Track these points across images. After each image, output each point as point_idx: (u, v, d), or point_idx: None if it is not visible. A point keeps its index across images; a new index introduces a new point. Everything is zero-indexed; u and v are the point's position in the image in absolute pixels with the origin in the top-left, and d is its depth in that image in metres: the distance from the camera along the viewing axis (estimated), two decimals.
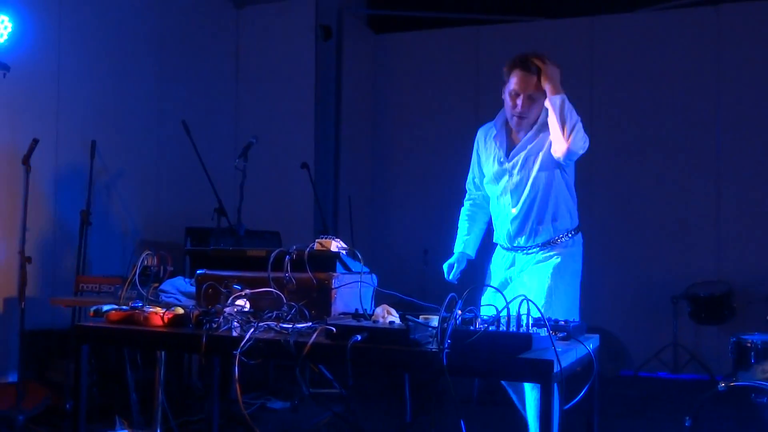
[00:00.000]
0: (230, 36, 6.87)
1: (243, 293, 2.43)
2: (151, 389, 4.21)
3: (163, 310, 2.43)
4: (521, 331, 2.01)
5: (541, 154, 3.14)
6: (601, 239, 6.74)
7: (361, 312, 2.37)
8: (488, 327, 2.00)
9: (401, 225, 7.21)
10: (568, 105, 3.06)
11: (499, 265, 3.27)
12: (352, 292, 2.51)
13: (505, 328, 2.01)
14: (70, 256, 4.89)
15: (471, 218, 3.50)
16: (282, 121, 6.62)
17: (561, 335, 2.24)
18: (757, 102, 6.32)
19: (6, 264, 4.66)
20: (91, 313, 2.55)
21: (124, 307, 2.54)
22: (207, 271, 2.64)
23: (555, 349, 1.94)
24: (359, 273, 2.57)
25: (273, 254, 2.51)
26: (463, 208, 3.55)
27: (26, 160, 4.36)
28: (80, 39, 5.29)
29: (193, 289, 2.82)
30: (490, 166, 3.29)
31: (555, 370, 1.89)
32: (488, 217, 3.43)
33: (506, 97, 3.17)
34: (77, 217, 4.85)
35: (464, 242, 3.45)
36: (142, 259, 3.35)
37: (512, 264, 3.22)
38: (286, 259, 2.48)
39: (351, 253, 2.64)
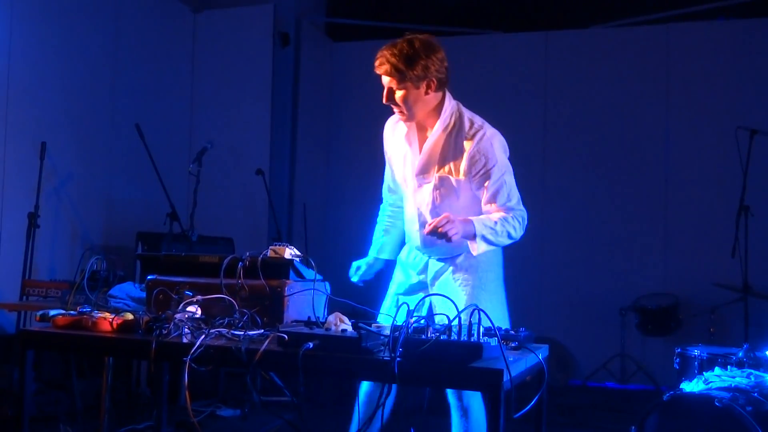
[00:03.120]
0: (186, 40, 6.80)
1: (194, 299, 2.40)
2: (97, 396, 4.14)
3: (112, 316, 2.39)
4: (472, 340, 2.03)
5: (451, 162, 2.81)
6: (552, 251, 6.85)
7: (314, 320, 2.37)
8: (440, 336, 2.02)
9: (356, 232, 7.20)
10: (488, 231, 2.72)
11: (409, 264, 3.01)
12: (305, 299, 2.51)
13: (456, 337, 2.03)
14: (16, 259, 4.78)
15: (387, 231, 3.19)
16: (238, 126, 6.58)
17: (512, 345, 2.27)
18: (705, 118, 6.50)
19: None
20: (38, 317, 2.49)
21: (71, 312, 2.49)
22: (158, 277, 2.61)
23: (505, 358, 1.97)
24: (312, 281, 2.56)
25: (226, 261, 2.49)
26: (379, 218, 3.23)
27: None
28: (32, 39, 5.19)
29: (143, 294, 2.79)
30: (400, 168, 2.99)
31: (504, 379, 1.91)
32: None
33: None
34: (24, 219, 4.74)
35: (379, 247, 3.15)
36: (91, 264, 3.30)
37: (425, 270, 2.96)
38: (239, 265, 2.46)
39: (305, 261, 2.63)
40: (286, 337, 2.10)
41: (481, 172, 2.77)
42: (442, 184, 2.84)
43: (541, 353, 2.34)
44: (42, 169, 4.88)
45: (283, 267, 2.52)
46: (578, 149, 6.85)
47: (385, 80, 2.77)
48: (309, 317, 2.41)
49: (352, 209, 7.75)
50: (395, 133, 3.04)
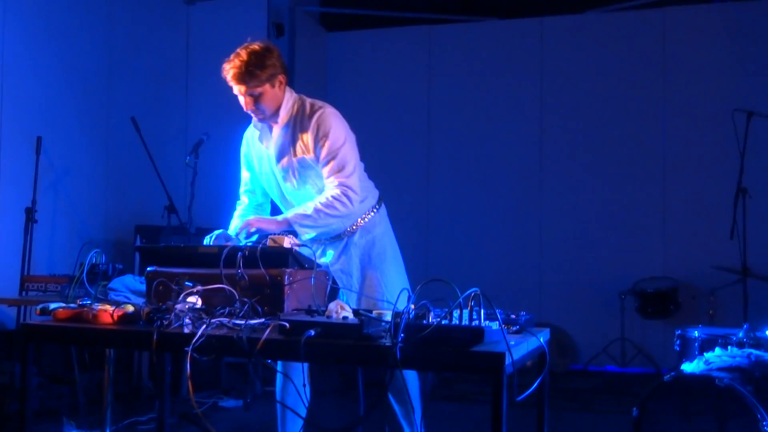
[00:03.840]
0: (180, 32, 6.77)
1: (195, 290, 2.40)
2: (99, 390, 4.14)
3: (113, 308, 2.39)
4: (473, 324, 2.03)
5: (300, 143, 3.02)
6: (550, 236, 6.86)
7: (315, 308, 2.37)
8: (441, 321, 2.02)
9: None
10: (303, 218, 2.90)
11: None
12: (305, 288, 2.51)
13: (457, 322, 2.03)
14: (15, 254, 4.77)
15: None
16: (233, 118, 6.54)
17: (513, 329, 2.27)
18: (702, 101, 6.50)
19: None
20: (38, 311, 2.49)
21: (72, 305, 2.49)
22: (158, 268, 2.60)
23: (507, 342, 1.97)
24: (312, 269, 2.56)
25: (225, 251, 2.49)
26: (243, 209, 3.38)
27: None
28: (25, 32, 5.16)
29: (143, 287, 2.78)
30: (265, 167, 3.18)
31: (507, 363, 1.92)
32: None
33: None
34: (22, 215, 4.73)
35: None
36: (90, 257, 3.28)
37: (323, 254, 3.13)
38: (239, 255, 2.46)
39: (304, 250, 2.63)
40: (287, 325, 2.10)
41: (320, 145, 2.97)
42: (301, 165, 3.02)
43: (543, 336, 2.34)
44: (38, 164, 4.87)
45: (283, 256, 2.52)
46: (575, 134, 6.85)
47: (240, 89, 2.95)
48: (310, 305, 2.41)
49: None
50: (252, 141, 3.24)
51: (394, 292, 2.37)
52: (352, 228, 3.09)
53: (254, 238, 2.88)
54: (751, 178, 5.36)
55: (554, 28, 6.97)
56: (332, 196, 2.91)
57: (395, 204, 6.90)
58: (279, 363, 3.10)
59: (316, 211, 2.89)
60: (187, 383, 2.14)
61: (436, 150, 7.25)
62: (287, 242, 2.63)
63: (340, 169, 2.95)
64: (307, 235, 3.06)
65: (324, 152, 2.96)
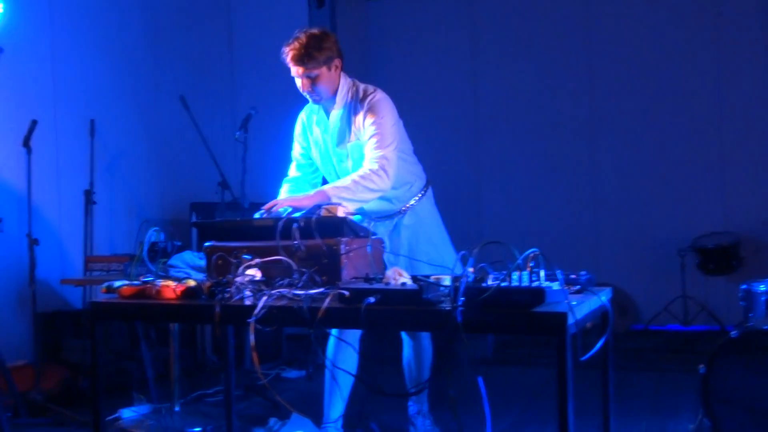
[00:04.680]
0: (222, 6, 6.80)
1: (253, 262, 2.42)
2: (165, 365, 4.25)
3: (175, 283, 2.43)
4: (534, 285, 2.00)
5: (356, 129, 3.12)
6: (605, 195, 6.74)
7: (373, 276, 2.37)
8: (500, 283, 2.00)
9: None
10: (343, 191, 2.91)
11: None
12: (362, 256, 2.51)
13: (517, 284, 2.01)
14: (77, 236, 4.89)
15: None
16: (279, 89, 6.56)
17: (574, 288, 2.23)
18: (759, 47, 6.26)
19: (15, 247, 4.67)
20: (104, 289, 2.55)
21: (135, 282, 2.54)
22: (215, 243, 2.64)
23: (569, 302, 1.94)
24: (368, 237, 2.56)
25: (281, 222, 2.50)
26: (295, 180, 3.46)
27: (26, 142, 4.35)
28: (73, 17, 5.25)
29: (201, 262, 2.82)
30: (321, 150, 3.28)
31: (569, 322, 1.89)
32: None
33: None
34: (81, 197, 4.84)
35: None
36: (150, 235, 3.35)
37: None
38: (294, 226, 2.47)
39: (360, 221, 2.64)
40: (347, 293, 2.11)
41: (369, 125, 3.07)
42: (356, 149, 3.11)
43: (605, 296, 2.30)
44: (93, 146, 4.96)
45: (338, 225, 2.53)
46: (627, 87, 6.67)
47: (298, 70, 3.06)
48: (367, 273, 2.41)
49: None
50: (309, 122, 3.31)
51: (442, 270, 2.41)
52: (403, 209, 3.22)
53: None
54: None
55: None
56: (370, 170, 2.98)
57: (445, 170, 6.92)
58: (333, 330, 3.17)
59: (354, 183, 2.94)
60: (250, 355, 2.17)
61: (484, 113, 7.15)
62: (341, 211, 2.63)
63: (380, 146, 3.02)
64: (357, 216, 3.09)
65: (369, 131, 3.05)
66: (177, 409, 4.00)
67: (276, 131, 6.52)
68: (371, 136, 3.04)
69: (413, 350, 3.35)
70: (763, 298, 3.50)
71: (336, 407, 3.23)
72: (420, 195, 3.29)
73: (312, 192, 2.97)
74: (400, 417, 3.53)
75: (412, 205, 3.25)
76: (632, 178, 6.63)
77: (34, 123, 4.38)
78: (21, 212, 4.43)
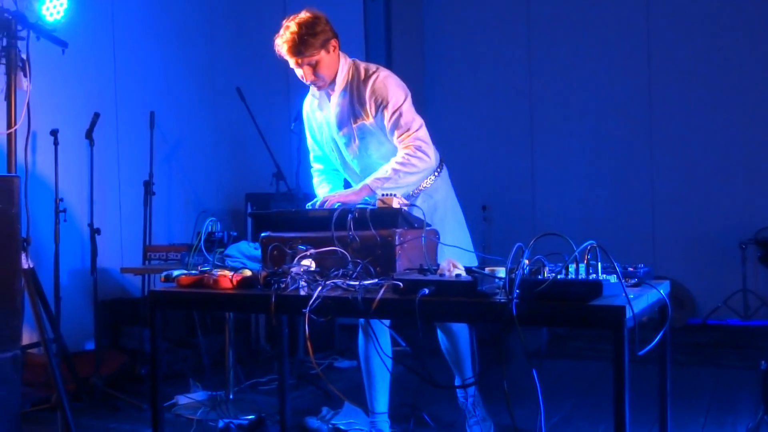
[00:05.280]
0: (278, 1, 6.85)
1: (308, 253, 2.45)
2: (221, 353, 4.33)
3: (232, 273, 2.47)
4: (590, 278, 1.98)
5: (360, 109, 3.02)
6: (663, 184, 6.60)
7: (426, 267, 2.37)
8: (557, 275, 1.97)
9: (459, 182, 7.16)
10: (384, 182, 2.87)
11: None
12: (417, 247, 2.51)
13: (574, 276, 1.99)
14: (136, 226, 5.01)
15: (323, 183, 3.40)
16: None
17: (632, 281, 2.20)
18: None
19: (77, 236, 4.81)
20: (162, 278, 2.61)
21: (193, 272, 2.59)
22: (271, 234, 2.67)
23: (627, 295, 1.91)
24: (422, 229, 2.56)
25: (335, 213, 2.52)
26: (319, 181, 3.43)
27: (89, 134, 4.46)
28: (133, 12, 5.36)
29: (257, 253, 2.86)
30: (325, 136, 3.20)
31: (627, 316, 1.86)
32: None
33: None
34: (141, 188, 4.96)
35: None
36: (207, 226, 3.41)
37: None
38: (349, 217, 2.48)
39: (413, 209, 2.64)
40: (401, 284, 2.11)
41: (381, 107, 2.97)
42: (361, 131, 3.03)
43: (663, 289, 2.26)
44: (152, 138, 5.07)
45: (393, 216, 2.53)
46: (686, 76, 6.50)
47: (297, 61, 2.95)
48: (421, 264, 2.41)
49: (453, 159, 7.68)
50: (311, 110, 3.24)
51: (454, 256, 2.39)
52: (415, 192, 3.07)
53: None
54: None
55: None
56: (407, 154, 2.92)
57: (498, 160, 6.86)
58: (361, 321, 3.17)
59: (395, 171, 2.90)
60: (304, 344, 2.20)
61: (539, 104, 7.07)
62: (396, 202, 2.63)
63: (408, 128, 2.96)
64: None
65: (387, 116, 2.97)
66: (231, 396, 4.07)
67: None
68: (394, 123, 2.95)
69: (447, 339, 3.26)
70: None
71: (380, 399, 3.22)
72: (434, 176, 3.12)
73: (357, 187, 2.94)
74: (451, 408, 3.52)
75: (425, 187, 3.08)
76: (692, 169, 6.48)
77: (97, 116, 4.50)
78: (83, 203, 4.56)
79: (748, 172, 6.30)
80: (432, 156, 2.98)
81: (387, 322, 3.10)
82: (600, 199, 6.76)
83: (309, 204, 3.01)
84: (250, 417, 3.74)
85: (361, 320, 3.13)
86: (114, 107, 5.15)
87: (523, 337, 1.86)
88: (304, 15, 2.98)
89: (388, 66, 6.80)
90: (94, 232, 4.41)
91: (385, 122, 2.98)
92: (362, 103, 3.01)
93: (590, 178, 6.82)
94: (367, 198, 2.87)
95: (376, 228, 2.46)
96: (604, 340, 5.16)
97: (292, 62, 2.98)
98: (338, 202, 2.82)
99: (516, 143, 7.06)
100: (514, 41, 7.12)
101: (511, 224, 6.61)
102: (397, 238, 2.44)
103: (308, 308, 2.17)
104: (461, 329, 3.23)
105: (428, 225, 2.85)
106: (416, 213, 2.98)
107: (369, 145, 3.06)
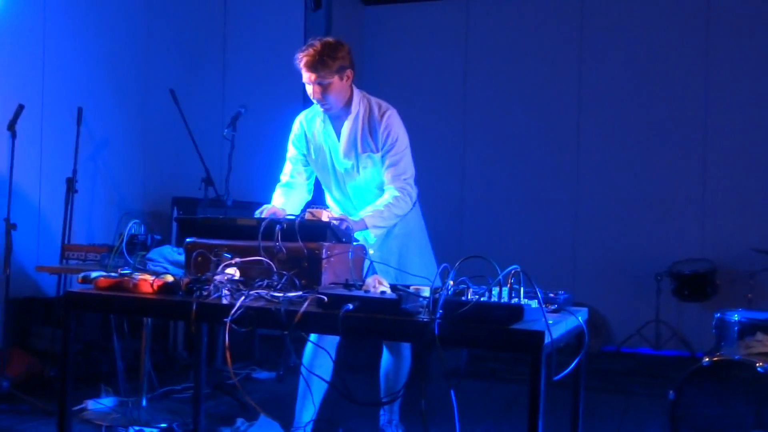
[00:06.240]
0: (218, 5, 6.78)
1: (233, 262, 2.42)
2: (136, 358, 4.22)
3: (153, 278, 2.42)
4: (513, 302, 2.01)
5: (369, 142, 3.17)
6: (586, 215, 6.79)
7: (352, 282, 2.37)
8: (480, 298, 2.00)
9: None
10: (378, 220, 3.02)
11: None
12: (343, 262, 2.51)
13: (496, 299, 2.02)
14: (56, 224, 4.85)
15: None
16: (270, 90, 6.57)
17: (552, 307, 2.25)
18: (745, 81, 6.35)
19: None
20: (80, 279, 2.52)
21: (112, 274, 2.52)
22: (197, 240, 2.62)
23: (546, 320, 1.95)
24: (350, 243, 2.56)
25: (263, 223, 2.50)
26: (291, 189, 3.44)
27: (11, 126, 4.30)
28: (66, 4, 5.21)
29: (180, 258, 2.81)
30: (322, 157, 3.28)
31: (546, 342, 1.90)
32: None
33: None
34: (63, 185, 4.80)
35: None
36: (130, 228, 3.33)
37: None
38: (277, 228, 2.47)
39: (342, 223, 2.64)
40: (325, 298, 2.10)
41: (388, 145, 3.15)
42: (365, 162, 3.18)
43: (581, 316, 2.32)
44: (79, 134, 4.92)
45: (321, 229, 2.52)
46: (615, 111, 6.74)
47: (310, 77, 3.04)
48: (347, 279, 2.41)
49: None
50: (309, 128, 3.30)
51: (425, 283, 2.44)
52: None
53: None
54: None
55: (595, 4, 6.83)
56: (398, 197, 3.09)
57: (429, 180, 6.91)
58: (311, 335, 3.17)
59: (387, 208, 3.05)
60: (223, 353, 2.16)
61: (472, 125, 7.19)
62: (325, 216, 2.63)
63: (404, 172, 3.15)
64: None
65: (391, 153, 3.14)
66: (144, 403, 3.97)
67: (264, 131, 6.54)
68: (393, 163, 3.14)
69: (392, 361, 3.35)
70: (735, 328, 3.55)
71: (307, 412, 3.22)
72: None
73: (357, 217, 3.00)
74: (370, 426, 3.52)
75: (405, 215, 3.23)
76: (614, 201, 6.69)
77: (21, 107, 4.34)
78: (1, 197, 4.39)
79: (666, 208, 6.55)
80: (413, 203, 3.19)
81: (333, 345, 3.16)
82: (526, 225, 6.91)
83: (257, 212, 3.03)
84: (161, 425, 3.65)
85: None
86: (40, 100, 4.99)
87: (443, 357, 1.88)
88: (331, 39, 3.10)
89: None
90: (10, 227, 4.24)
91: (386, 158, 3.15)
92: (374, 136, 3.16)
93: (516, 204, 6.96)
94: (365, 231, 3.00)
95: (304, 240, 2.45)
96: (521, 363, 5.25)
97: (305, 77, 3.06)
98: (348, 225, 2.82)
99: (448, 165, 7.16)
100: (452, 61, 7.24)
101: (438, 244, 6.67)
102: (324, 251, 2.43)
103: (230, 318, 2.14)
104: (409, 355, 3.34)
105: (404, 250, 3.19)
106: (395, 240, 3.21)
107: (369, 174, 3.20)
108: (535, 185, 6.93)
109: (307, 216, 2.61)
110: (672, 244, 6.42)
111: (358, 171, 3.20)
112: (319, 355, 3.16)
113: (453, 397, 2.02)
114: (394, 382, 3.35)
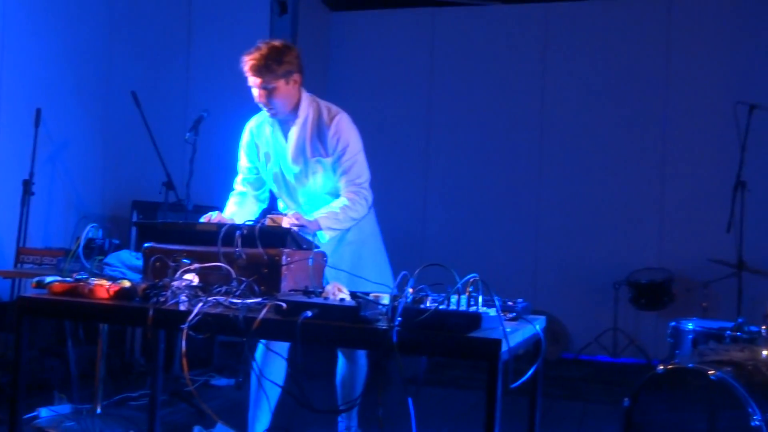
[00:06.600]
0: (182, 7, 6.72)
1: (192, 267, 2.39)
2: (92, 364, 4.14)
3: (109, 283, 2.38)
4: (471, 310, 2.03)
5: (318, 146, 3.12)
6: (548, 224, 6.86)
7: (311, 289, 2.36)
8: (438, 306, 2.01)
9: None
10: (332, 221, 2.98)
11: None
12: (303, 269, 2.50)
13: (455, 307, 2.03)
14: (10, 227, 4.75)
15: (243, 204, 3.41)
16: (234, 95, 6.50)
17: (510, 316, 2.27)
18: (704, 92, 6.48)
19: None
20: (34, 284, 2.48)
21: (67, 279, 2.48)
22: (155, 245, 2.59)
23: (503, 329, 1.97)
24: (310, 250, 2.55)
25: (223, 229, 2.48)
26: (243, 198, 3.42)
27: None
28: (25, 3, 5.12)
29: (139, 263, 2.77)
30: (273, 162, 3.25)
31: (503, 350, 1.91)
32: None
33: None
34: (19, 187, 4.71)
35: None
36: (87, 231, 3.27)
37: None
38: (237, 234, 2.45)
39: (303, 230, 2.63)
40: (284, 305, 2.09)
41: (339, 151, 3.11)
42: (315, 165, 3.14)
43: (539, 324, 2.34)
44: (37, 136, 4.84)
45: (281, 236, 2.51)
46: (575, 122, 6.83)
47: (255, 81, 3.03)
48: (306, 286, 2.40)
49: None
50: (258, 134, 3.28)
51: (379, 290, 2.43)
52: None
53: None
54: (751, 172, 5.38)
55: (558, 14, 6.93)
56: (354, 200, 3.07)
57: (392, 187, 6.95)
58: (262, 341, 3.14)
59: (343, 210, 3.01)
60: (179, 360, 2.14)
61: (436, 134, 7.23)
62: (286, 222, 2.62)
63: (357, 177, 3.11)
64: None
65: (344, 158, 3.10)
66: (99, 411, 3.90)
67: (227, 136, 6.44)
68: (347, 168, 3.09)
69: (348, 368, 3.33)
70: (689, 337, 3.61)
71: (262, 419, 3.19)
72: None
73: (311, 217, 2.96)
74: None
75: (358, 222, 3.19)
76: (574, 211, 6.78)
77: None
78: None
79: (625, 219, 6.66)
80: (368, 208, 3.15)
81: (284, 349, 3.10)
82: (486, 235, 6.96)
83: (202, 218, 2.97)
84: None
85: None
86: None
87: (401, 365, 1.88)
88: (278, 42, 3.07)
89: None
90: None
91: (338, 163, 3.10)
92: (323, 141, 3.11)
93: (479, 213, 7.01)
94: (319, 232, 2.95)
95: (264, 246, 2.43)
96: (481, 370, 5.27)
97: (250, 81, 3.05)
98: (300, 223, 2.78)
99: (411, 170, 7.18)
100: (417, 69, 7.27)
101: (400, 251, 6.67)
102: (284, 258, 2.42)
103: (187, 324, 2.11)
104: (365, 362, 3.32)
105: (357, 257, 3.11)
106: (348, 246, 3.16)
107: (319, 180, 3.15)
108: (497, 194, 6.98)
109: (268, 222, 2.59)
110: (630, 254, 6.53)
111: (307, 177, 3.16)
112: (270, 360, 3.12)
113: (410, 405, 2.02)
114: (350, 389, 3.32)
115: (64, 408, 3.92)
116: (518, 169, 6.95)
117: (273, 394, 3.14)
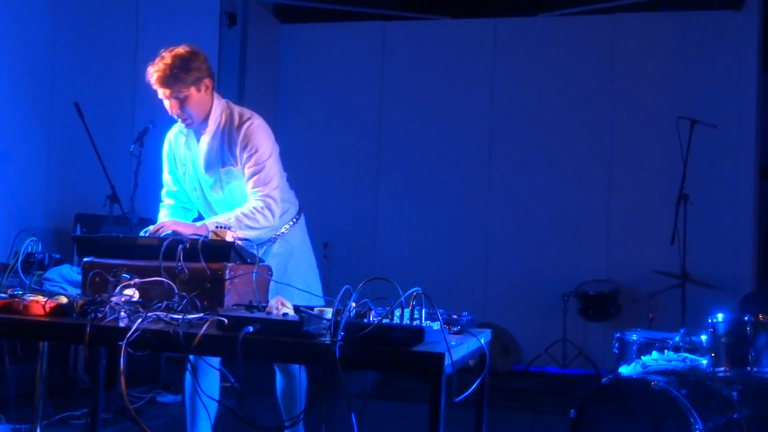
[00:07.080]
0: (130, 17, 6.62)
1: (132, 282, 2.34)
2: (32, 383, 4.02)
3: (45, 299, 2.31)
4: (414, 324, 2.02)
5: (229, 154, 3.01)
6: (498, 238, 6.92)
7: (255, 304, 2.33)
8: (381, 320, 2.00)
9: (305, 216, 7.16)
10: (238, 224, 2.84)
11: None
12: (247, 283, 2.46)
13: (398, 321, 2.02)
14: None
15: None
16: None
17: (454, 329, 2.26)
18: (648, 108, 6.64)
19: None
20: None
21: (2, 295, 2.40)
22: (95, 259, 2.53)
23: (447, 342, 1.96)
24: (254, 264, 2.52)
25: (165, 243, 2.43)
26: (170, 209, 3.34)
27: None
28: None
29: (80, 278, 2.70)
30: (190, 174, 3.16)
31: (446, 363, 1.91)
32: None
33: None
34: None
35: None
36: (26, 246, 3.18)
37: None
38: (179, 248, 2.40)
39: (247, 244, 2.59)
40: (225, 320, 2.06)
41: (246, 156, 2.98)
42: (228, 175, 3.03)
43: (484, 337, 2.34)
44: None
45: (225, 250, 2.47)
46: (524, 136, 6.92)
47: (165, 92, 2.91)
48: (250, 301, 2.37)
49: (297, 192, 7.66)
50: (176, 146, 3.18)
51: (304, 299, 2.42)
52: (273, 237, 3.09)
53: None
54: (693, 185, 5.52)
55: (507, 29, 7.03)
56: (255, 209, 2.91)
57: (344, 198, 6.93)
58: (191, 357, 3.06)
59: (238, 220, 2.85)
60: (120, 378, 2.08)
61: (386, 147, 7.24)
62: (230, 236, 2.58)
63: (265, 183, 2.96)
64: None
65: (251, 163, 2.96)
66: (38, 431, 3.78)
67: None
68: (254, 173, 2.96)
69: (285, 382, 3.25)
70: (634, 347, 3.66)
71: None
72: (291, 223, 3.19)
73: (198, 224, 2.85)
74: None
75: (282, 233, 3.13)
76: (524, 225, 6.86)
77: None
78: None
79: (573, 232, 6.76)
80: (276, 218, 2.97)
81: (216, 361, 3.00)
82: (437, 248, 6.99)
83: (143, 231, 2.89)
84: None
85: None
86: None
87: (344, 380, 1.86)
88: (182, 49, 2.91)
89: (240, 94, 6.76)
90: None
91: (245, 169, 2.97)
92: (232, 149, 2.99)
93: (429, 226, 7.04)
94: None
95: (207, 260, 2.39)
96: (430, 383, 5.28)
97: (160, 93, 2.92)
98: (172, 230, 2.72)
99: (362, 182, 7.18)
100: (368, 83, 7.29)
101: (351, 263, 6.68)
102: (227, 272, 2.39)
103: (125, 341, 2.06)
104: (302, 374, 3.22)
105: (284, 269, 2.95)
106: (273, 258, 3.04)
107: (234, 190, 3.04)
108: (447, 207, 7.02)
109: (211, 236, 2.55)
110: (578, 266, 6.62)
111: (222, 188, 3.06)
112: (204, 373, 3.04)
113: (354, 422, 2.00)
114: (291, 403, 3.24)
115: (2, 429, 3.80)
116: (468, 182, 7.01)
117: (212, 408, 3.07)
